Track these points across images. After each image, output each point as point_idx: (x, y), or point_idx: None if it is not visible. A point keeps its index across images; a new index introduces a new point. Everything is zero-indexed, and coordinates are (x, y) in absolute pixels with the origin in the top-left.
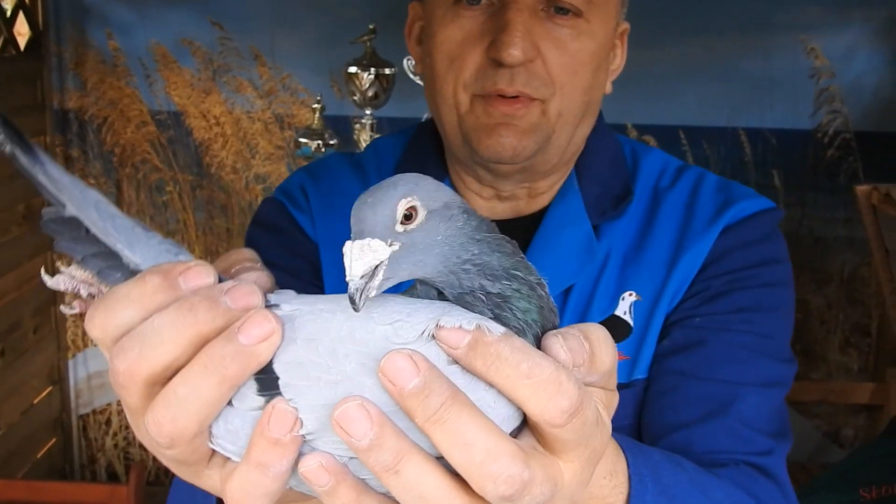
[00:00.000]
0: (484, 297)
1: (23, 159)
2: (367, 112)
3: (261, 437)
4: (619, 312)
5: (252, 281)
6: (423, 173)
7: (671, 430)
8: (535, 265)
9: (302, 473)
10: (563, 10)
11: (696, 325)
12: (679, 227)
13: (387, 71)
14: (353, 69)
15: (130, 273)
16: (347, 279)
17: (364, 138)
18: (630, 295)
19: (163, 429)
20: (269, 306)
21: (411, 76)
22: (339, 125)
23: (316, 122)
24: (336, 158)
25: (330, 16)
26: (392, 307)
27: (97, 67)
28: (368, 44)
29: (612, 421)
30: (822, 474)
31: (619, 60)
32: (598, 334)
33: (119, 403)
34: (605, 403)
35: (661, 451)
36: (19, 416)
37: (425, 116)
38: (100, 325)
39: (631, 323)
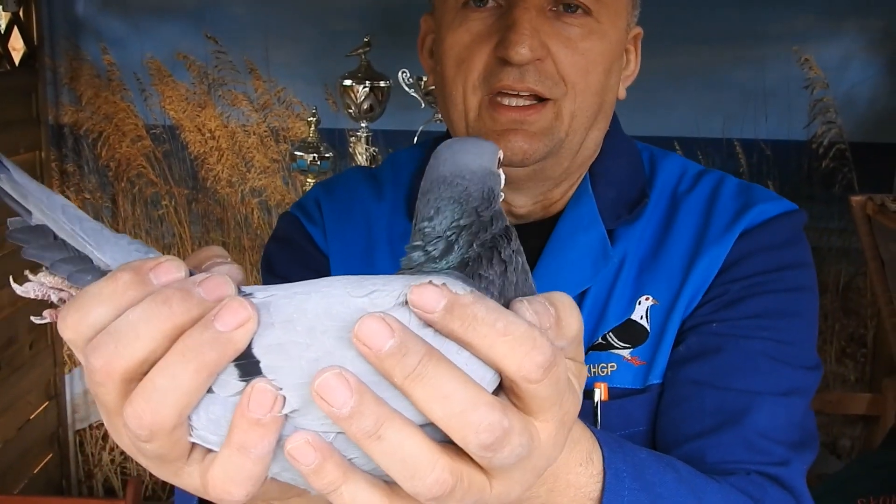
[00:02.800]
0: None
1: None
2: (363, 125)
3: (241, 418)
4: (635, 317)
5: (224, 273)
6: None
7: (684, 441)
8: (548, 269)
9: (288, 452)
10: (571, 8)
11: (712, 332)
12: (697, 231)
13: (382, 84)
14: (348, 82)
15: (101, 274)
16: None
17: (360, 151)
18: (646, 299)
19: (143, 420)
20: (243, 296)
21: (406, 89)
22: (335, 138)
23: (311, 135)
24: (352, 172)
25: (324, 29)
26: (368, 282)
27: (92, 82)
28: (363, 57)
29: (628, 426)
30: (820, 485)
31: (633, 66)
32: (564, 301)
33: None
34: (576, 373)
35: (651, 452)
36: (15, 432)
37: (420, 128)
38: (72, 325)
39: (647, 327)
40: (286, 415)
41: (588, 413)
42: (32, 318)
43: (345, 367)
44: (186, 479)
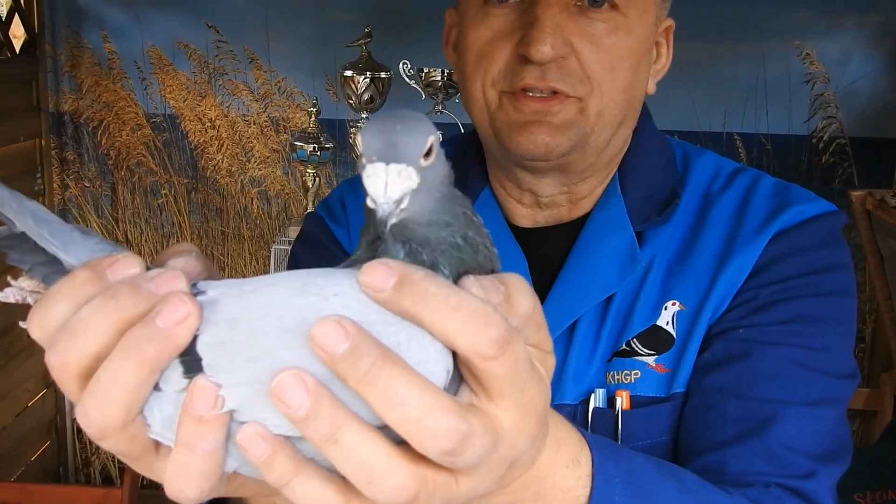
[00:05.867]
0: (447, 249)
1: None
2: (363, 116)
3: (186, 415)
4: (661, 322)
5: (179, 268)
6: (465, 182)
7: (706, 451)
8: (575, 273)
9: (238, 441)
10: (597, 3)
11: (739, 338)
12: (728, 232)
13: (382, 74)
14: (348, 73)
15: None
16: (380, 200)
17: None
18: (673, 304)
19: (90, 418)
20: (195, 292)
21: (407, 80)
22: (335, 129)
23: (311, 125)
24: None
25: (325, 19)
26: (310, 280)
27: (92, 70)
28: (364, 47)
29: (650, 437)
30: None
31: (664, 60)
32: (514, 280)
33: None
34: (540, 360)
35: (651, 458)
36: (13, 419)
37: None
38: (38, 323)
39: (673, 334)
40: (233, 410)
41: (610, 422)
42: (20, 323)
43: (303, 369)
44: (160, 473)
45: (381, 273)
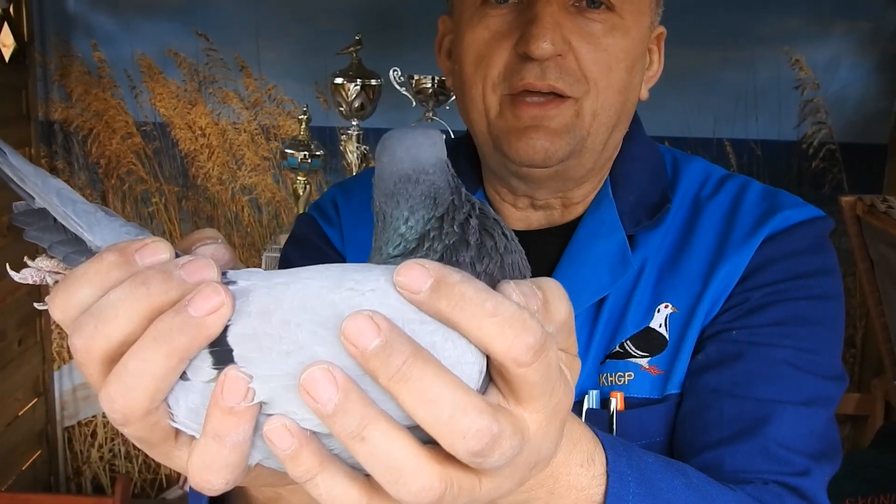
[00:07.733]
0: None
1: None
2: (354, 123)
3: (215, 406)
4: (653, 325)
5: (208, 255)
6: None
7: (702, 450)
8: (566, 276)
9: (265, 434)
10: (594, 4)
11: (732, 339)
12: (719, 236)
13: (373, 82)
14: (339, 80)
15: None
16: None
17: (350, 149)
18: (665, 307)
19: (114, 404)
20: (226, 281)
21: (397, 87)
22: (326, 136)
23: (302, 133)
24: (371, 173)
25: (315, 27)
26: (346, 275)
27: (82, 78)
28: (354, 55)
29: (644, 437)
30: None
31: (656, 66)
32: (552, 286)
33: (105, 415)
34: (568, 365)
35: (659, 457)
36: (4, 428)
37: (412, 126)
38: (60, 306)
39: (666, 336)
40: (262, 403)
41: (604, 423)
42: (36, 304)
43: (333, 364)
44: (177, 462)
45: (416, 274)
